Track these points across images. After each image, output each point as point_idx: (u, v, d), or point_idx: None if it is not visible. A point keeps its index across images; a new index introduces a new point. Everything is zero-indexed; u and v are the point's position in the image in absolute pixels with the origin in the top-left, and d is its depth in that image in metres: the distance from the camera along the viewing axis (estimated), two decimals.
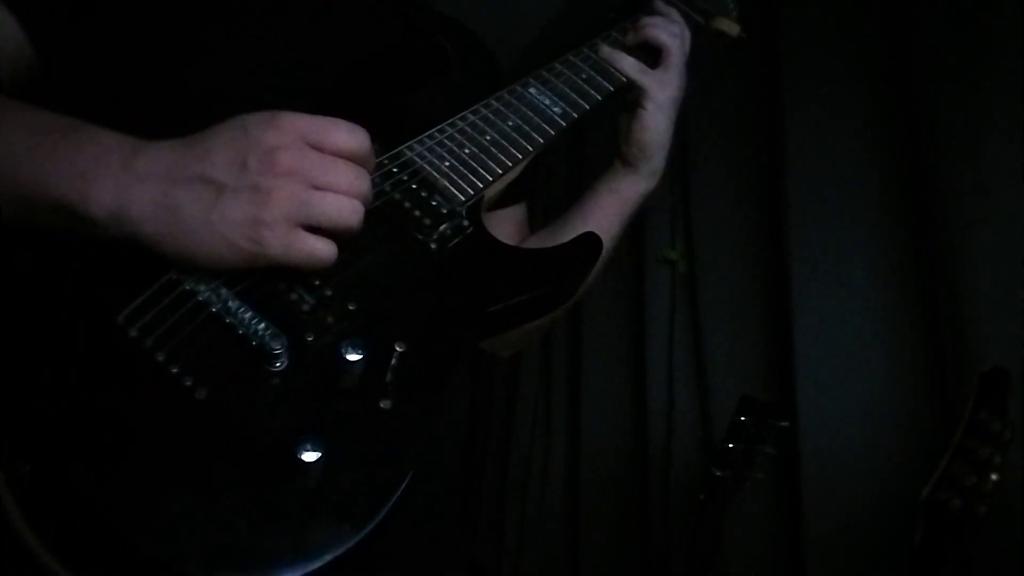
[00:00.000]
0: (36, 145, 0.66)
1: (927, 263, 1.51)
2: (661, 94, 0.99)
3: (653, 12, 1.05)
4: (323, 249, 0.65)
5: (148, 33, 0.81)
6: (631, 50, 1.02)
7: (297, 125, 0.66)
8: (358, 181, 0.67)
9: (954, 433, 1.09)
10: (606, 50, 1.00)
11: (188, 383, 0.61)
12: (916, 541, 1.06)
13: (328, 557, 0.57)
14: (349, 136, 0.68)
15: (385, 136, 0.82)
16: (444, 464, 0.88)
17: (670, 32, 1.01)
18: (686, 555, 1.40)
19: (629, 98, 1.02)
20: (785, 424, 1.47)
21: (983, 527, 1.04)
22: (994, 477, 1.04)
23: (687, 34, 1.03)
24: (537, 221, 1.12)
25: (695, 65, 1.04)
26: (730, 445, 1.43)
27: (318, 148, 0.66)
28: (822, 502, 1.54)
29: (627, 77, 0.99)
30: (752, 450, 1.42)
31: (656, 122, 1.00)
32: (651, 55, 1.01)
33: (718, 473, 1.42)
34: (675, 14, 1.05)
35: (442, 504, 0.88)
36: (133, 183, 0.63)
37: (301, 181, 0.64)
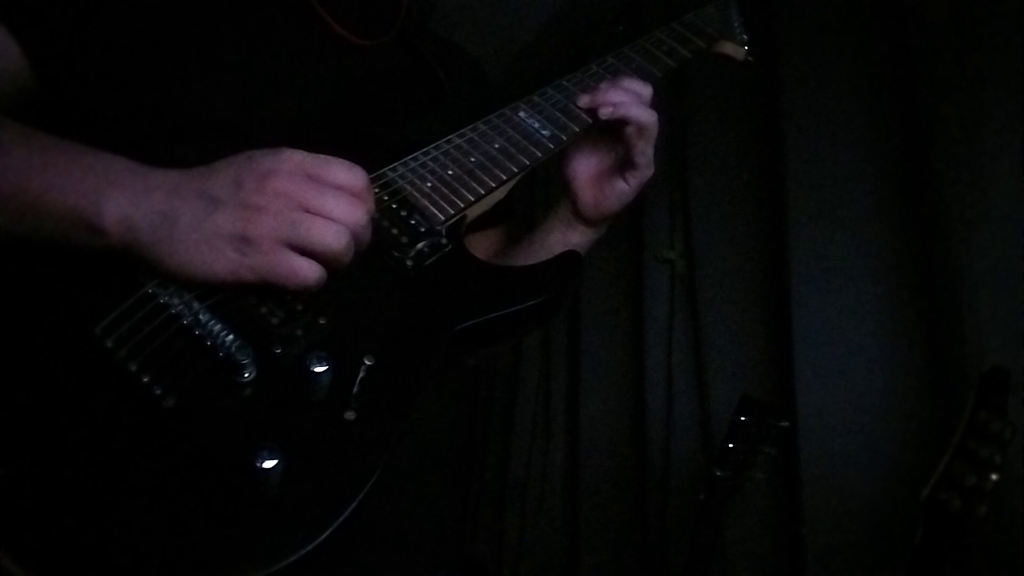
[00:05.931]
0: (46, 163, 0.68)
1: (927, 263, 1.51)
2: (648, 172, 0.98)
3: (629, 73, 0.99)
4: (306, 268, 0.67)
5: (146, 58, 0.83)
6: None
7: (297, 157, 0.69)
8: (350, 211, 0.69)
9: (954, 433, 1.09)
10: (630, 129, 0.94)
11: (157, 392, 0.64)
12: (916, 541, 1.06)
13: (281, 564, 0.58)
14: (346, 172, 0.71)
15: (373, 159, 0.84)
16: (428, 469, 0.88)
17: (649, 112, 0.95)
18: (686, 555, 1.40)
19: (601, 160, 0.99)
20: (785, 424, 1.46)
21: (983, 527, 1.04)
22: (994, 477, 1.04)
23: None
24: (537, 223, 1.12)
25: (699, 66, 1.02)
26: (730, 445, 1.43)
27: (315, 180, 0.69)
28: (822, 502, 1.53)
29: (634, 163, 0.96)
30: (752, 450, 1.42)
31: (631, 199, 0.99)
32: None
33: (718, 473, 1.41)
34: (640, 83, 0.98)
35: (427, 508, 0.88)
36: (143, 195, 0.67)
37: (291, 203, 0.67)
